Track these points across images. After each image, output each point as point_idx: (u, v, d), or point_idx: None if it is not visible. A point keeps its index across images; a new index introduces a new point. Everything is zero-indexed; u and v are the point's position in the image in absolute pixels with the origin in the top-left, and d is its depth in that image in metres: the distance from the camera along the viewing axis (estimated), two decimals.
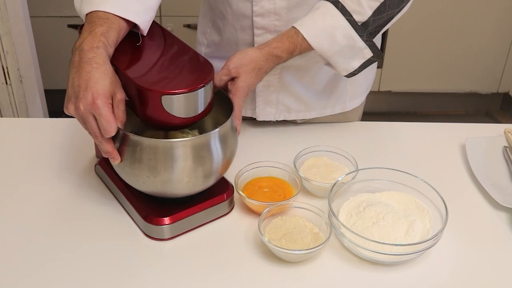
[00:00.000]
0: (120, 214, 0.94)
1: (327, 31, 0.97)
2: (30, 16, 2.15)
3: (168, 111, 0.81)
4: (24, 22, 2.07)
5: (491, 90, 3.03)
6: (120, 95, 0.80)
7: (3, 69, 2.05)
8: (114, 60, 0.85)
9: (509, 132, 1.14)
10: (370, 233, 0.86)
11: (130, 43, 0.91)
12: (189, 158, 0.83)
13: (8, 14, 1.97)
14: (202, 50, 1.22)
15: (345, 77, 1.15)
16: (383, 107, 2.95)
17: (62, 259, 0.85)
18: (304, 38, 0.97)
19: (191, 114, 0.84)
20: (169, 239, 0.89)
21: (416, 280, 0.84)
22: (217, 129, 0.85)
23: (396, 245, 0.84)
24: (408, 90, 2.93)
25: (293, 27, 0.99)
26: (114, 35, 0.84)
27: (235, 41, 1.12)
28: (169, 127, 0.88)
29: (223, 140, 0.87)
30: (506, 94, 3.07)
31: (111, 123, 0.78)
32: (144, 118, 0.84)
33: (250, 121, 1.22)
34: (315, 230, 0.88)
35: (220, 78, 0.97)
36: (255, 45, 1.09)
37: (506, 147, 1.13)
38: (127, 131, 0.82)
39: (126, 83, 0.83)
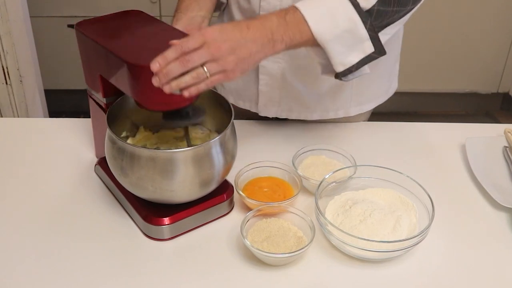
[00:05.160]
0: (120, 214, 0.94)
1: (329, 11, 0.87)
2: (30, 16, 2.14)
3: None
4: (24, 22, 2.07)
5: (491, 90, 3.03)
6: None
7: (3, 69, 2.05)
8: (104, 42, 0.85)
9: (509, 132, 1.14)
10: (358, 231, 0.87)
11: (119, 27, 0.92)
12: (190, 167, 0.84)
13: (8, 14, 1.97)
14: None
15: (350, 84, 1.11)
16: (383, 107, 2.95)
17: (62, 259, 0.85)
18: (297, 10, 0.86)
19: None
20: (169, 239, 0.89)
21: (406, 276, 0.84)
22: (217, 138, 0.85)
23: (385, 242, 0.84)
24: (408, 90, 2.93)
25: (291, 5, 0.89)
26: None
27: None
28: (164, 107, 0.85)
29: (223, 147, 0.87)
30: (506, 94, 3.07)
31: None
32: (138, 98, 0.84)
33: (250, 121, 1.22)
34: (299, 234, 0.88)
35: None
36: None
37: (506, 147, 1.13)
38: (125, 140, 0.82)
39: (117, 64, 0.83)
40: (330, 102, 1.18)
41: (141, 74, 0.79)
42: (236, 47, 0.80)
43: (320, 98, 1.17)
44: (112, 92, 0.94)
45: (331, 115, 1.20)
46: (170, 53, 0.76)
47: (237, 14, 1.13)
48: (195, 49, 0.77)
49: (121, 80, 0.84)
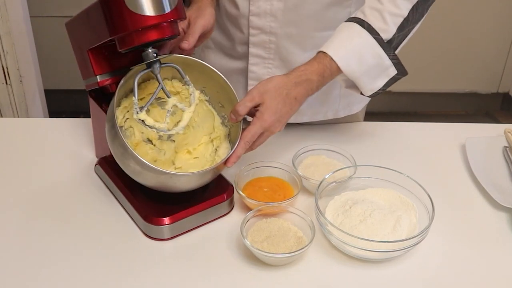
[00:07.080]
0: (120, 214, 0.94)
1: (355, 51, 0.95)
2: (30, 16, 2.14)
3: (134, 10, 0.80)
4: (24, 22, 2.07)
5: (491, 90, 3.03)
6: None
7: (3, 69, 2.05)
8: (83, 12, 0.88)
9: (509, 132, 1.14)
10: (358, 231, 0.87)
11: None
12: (192, 180, 0.88)
13: (8, 14, 1.97)
14: None
15: (338, 85, 1.13)
16: (383, 107, 2.95)
17: (62, 259, 0.85)
18: (332, 60, 0.94)
19: (159, 11, 0.82)
20: (169, 239, 0.89)
21: (406, 276, 0.84)
22: (226, 156, 0.89)
23: (385, 242, 0.84)
24: (408, 90, 2.93)
25: (320, 51, 0.96)
26: None
27: (232, 38, 1.13)
28: (144, 39, 0.84)
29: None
30: (506, 94, 3.07)
31: None
32: (115, 32, 0.83)
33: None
34: (299, 234, 0.88)
35: (244, 104, 0.90)
36: (250, 45, 1.10)
37: (506, 147, 1.13)
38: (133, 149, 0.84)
39: (94, 13, 0.85)
40: (320, 105, 1.19)
41: (111, 3, 0.81)
42: (287, 120, 0.94)
43: (310, 101, 1.17)
44: (103, 66, 0.95)
45: (320, 117, 1.21)
46: (240, 151, 0.89)
47: (226, 21, 1.13)
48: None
49: (101, 26, 0.84)
